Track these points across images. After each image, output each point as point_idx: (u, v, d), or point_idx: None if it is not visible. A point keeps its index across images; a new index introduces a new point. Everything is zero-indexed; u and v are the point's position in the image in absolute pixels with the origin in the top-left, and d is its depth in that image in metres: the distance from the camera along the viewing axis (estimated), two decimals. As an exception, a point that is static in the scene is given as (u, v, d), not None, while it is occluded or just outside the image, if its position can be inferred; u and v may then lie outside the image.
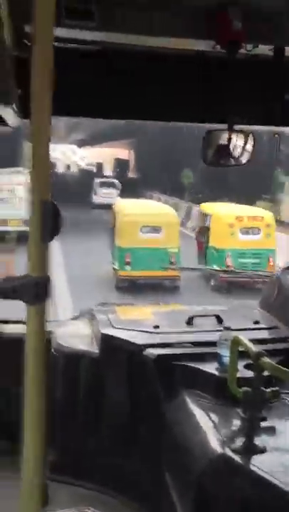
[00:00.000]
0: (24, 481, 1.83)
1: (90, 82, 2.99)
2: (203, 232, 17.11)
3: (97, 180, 36.65)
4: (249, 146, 3.10)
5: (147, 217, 16.67)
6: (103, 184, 35.54)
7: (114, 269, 16.01)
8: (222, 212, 17.49)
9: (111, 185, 35.52)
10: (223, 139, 3.10)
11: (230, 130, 3.06)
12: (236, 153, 3.10)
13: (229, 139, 3.07)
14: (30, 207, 1.76)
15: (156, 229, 16.22)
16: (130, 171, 48.18)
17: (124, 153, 50.42)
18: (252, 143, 3.10)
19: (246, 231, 16.35)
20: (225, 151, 3.11)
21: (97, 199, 32.73)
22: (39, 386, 1.83)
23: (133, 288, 15.35)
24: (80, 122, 32.78)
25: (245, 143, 3.09)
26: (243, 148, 3.10)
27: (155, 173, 36.44)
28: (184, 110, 3.17)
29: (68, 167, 55.99)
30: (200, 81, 3.08)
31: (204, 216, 17.64)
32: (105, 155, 53.52)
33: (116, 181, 36.96)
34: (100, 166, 50.37)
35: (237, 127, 3.08)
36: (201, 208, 18.61)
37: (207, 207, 18.45)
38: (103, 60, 2.97)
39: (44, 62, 1.69)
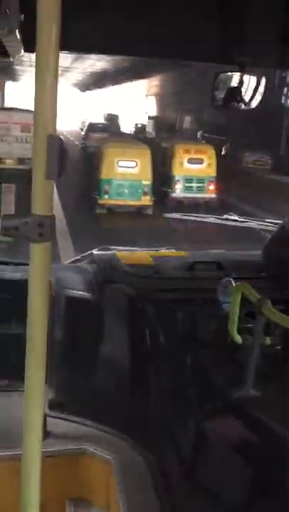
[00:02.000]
0: (26, 415, 1.70)
1: (96, 16, 2.48)
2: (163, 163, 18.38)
3: (87, 123, 31.92)
4: (260, 90, 2.61)
5: (124, 152, 16.70)
6: (93, 128, 30.29)
7: (94, 197, 16.03)
8: (174, 146, 18.52)
9: (102, 129, 30.20)
10: (234, 81, 2.61)
11: (242, 72, 2.56)
12: (247, 96, 2.61)
13: (240, 81, 2.58)
14: (34, 142, 1.47)
15: (131, 163, 16.29)
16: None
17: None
18: (264, 86, 2.61)
19: (193, 161, 17.58)
20: (235, 93, 2.62)
21: (88, 143, 27.56)
22: (42, 327, 1.63)
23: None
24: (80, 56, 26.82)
25: (257, 86, 2.60)
26: (254, 91, 2.61)
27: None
28: (192, 48, 2.65)
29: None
30: (211, 18, 2.55)
31: (165, 151, 18.60)
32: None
33: (108, 124, 32.22)
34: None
35: (248, 69, 2.58)
36: (162, 145, 19.36)
37: (166, 143, 19.34)
38: None
39: None
